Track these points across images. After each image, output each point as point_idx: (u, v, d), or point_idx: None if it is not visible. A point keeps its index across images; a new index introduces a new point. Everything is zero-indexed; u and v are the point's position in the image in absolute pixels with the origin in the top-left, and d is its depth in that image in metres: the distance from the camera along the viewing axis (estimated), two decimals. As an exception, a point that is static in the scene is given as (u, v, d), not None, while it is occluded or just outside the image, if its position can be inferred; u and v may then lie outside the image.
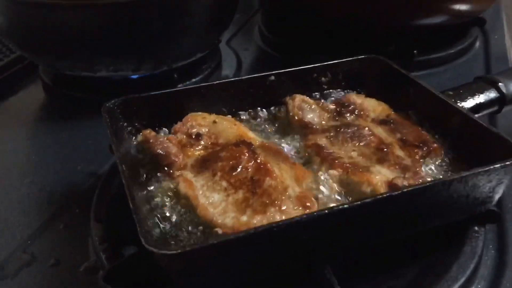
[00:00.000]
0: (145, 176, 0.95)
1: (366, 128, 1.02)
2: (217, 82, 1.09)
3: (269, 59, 1.72)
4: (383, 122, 1.06)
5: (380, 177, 0.89)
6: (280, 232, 0.71)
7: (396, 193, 0.77)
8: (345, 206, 0.74)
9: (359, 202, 0.74)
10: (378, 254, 0.87)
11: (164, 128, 1.07)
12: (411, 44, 1.58)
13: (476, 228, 0.92)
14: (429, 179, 0.91)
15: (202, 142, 1.01)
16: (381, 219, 0.80)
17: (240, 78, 1.11)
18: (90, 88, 1.42)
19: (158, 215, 0.84)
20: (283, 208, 0.84)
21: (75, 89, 1.44)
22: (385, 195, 0.76)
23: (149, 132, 0.98)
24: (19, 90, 1.54)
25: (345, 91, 1.19)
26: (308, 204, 0.86)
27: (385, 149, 0.96)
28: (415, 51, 1.56)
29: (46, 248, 0.97)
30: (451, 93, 1.08)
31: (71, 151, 1.25)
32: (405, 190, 0.77)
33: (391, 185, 0.86)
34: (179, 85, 1.44)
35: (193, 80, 1.48)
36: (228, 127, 1.03)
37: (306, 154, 0.99)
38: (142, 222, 0.71)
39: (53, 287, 0.90)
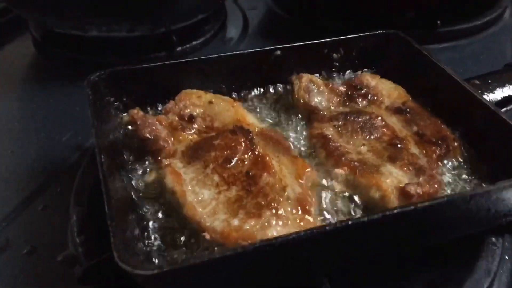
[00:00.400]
0: (130, 161, 0.86)
1: (379, 118, 0.91)
2: (216, 56, 0.98)
3: (278, 20, 1.58)
4: (398, 110, 0.95)
5: (391, 180, 0.79)
6: (273, 250, 0.63)
7: (408, 209, 0.67)
8: (349, 222, 0.65)
9: (365, 219, 0.65)
10: (381, 265, 0.78)
11: (156, 105, 0.97)
12: (433, 12, 1.44)
13: (493, 239, 0.83)
14: (445, 187, 0.82)
15: (196, 126, 0.91)
16: (389, 234, 0.71)
17: (241, 51, 0.99)
18: (82, 47, 1.30)
19: (140, 213, 0.76)
20: (280, 212, 0.75)
21: (67, 47, 1.32)
22: (395, 212, 0.66)
23: (136, 112, 0.88)
24: (6, 43, 1.43)
25: (359, 71, 1.07)
26: (308, 207, 0.77)
27: (399, 145, 0.86)
28: (438, 21, 1.42)
29: (22, 233, 0.89)
30: (477, 82, 0.96)
31: (57, 118, 1.15)
32: (419, 205, 0.67)
33: (403, 192, 0.76)
34: (178, 48, 1.33)
35: (194, 43, 1.36)
36: (225, 109, 0.92)
37: (311, 144, 0.89)
38: (118, 232, 0.63)
39: (27, 277, 0.83)
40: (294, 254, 0.65)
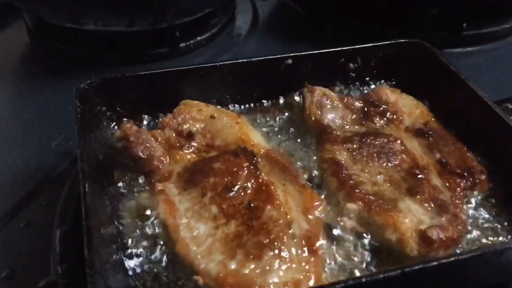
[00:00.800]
0: (120, 181, 0.78)
1: (398, 142, 0.82)
2: (220, 63, 0.88)
3: (289, 14, 1.47)
4: (420, 133, 0.86)
5: (410, 220, 0.70)
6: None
7: (430, 265, 0.59)
8: (362, 280, 0.57)
9: (381, 276, 0.57)
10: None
11: (154, 115, 0.89)
12: (458, 14, 1.33)
13: (519, 285, 0.75)
14: (469, 226, 0.73)
15: (195, 143, 0.82)
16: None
17: (249, 59, 0.90)
18: (78, 40, 1.20)
19: (125, 252, 0.67)
20: (283, 253, 0.66)
21: (62, 39, 1.22)
22: (416, 268, 0.58)
23: (129, 127, 0.79)
24: (1, 30, 1.34)
25: (378, 83, 0.98)
26: (315, 247, 0.69)
27: (419, 175, 0.77)
28: (464, 24, 1.31)
29: (1, 253, 0.81)
30: (510, 106, 0.86)
31: (47, 119, 1.06)
32: (443, 261, 0.59)
33: (424, 237, 0.67)
34: (181, 44, 1.23)
35: (199, 38, 1.26)
36: (229, 125, 0.83)
37: (321, 170, 0.80)
38: (97, 281, 0.55)
39: (3, 307, 0.76)
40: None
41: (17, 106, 1.10)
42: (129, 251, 0.68)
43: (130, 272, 0.65)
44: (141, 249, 0.68)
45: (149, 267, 0.67)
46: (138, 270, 0.66)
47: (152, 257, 0.68)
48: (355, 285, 0.57)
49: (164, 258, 0.68)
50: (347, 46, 0.95)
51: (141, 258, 0.67)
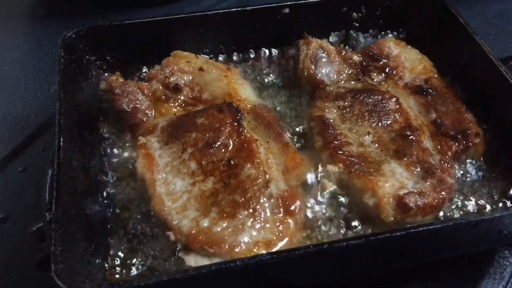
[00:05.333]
0: (105, 135, 0.78)
1: (393, 100, 0.78)
2: (213, 12, 0.85)
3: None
4: (419, 90, 0.82)
5: (391, 185, 0.68)
6: (235, 271, 0.55)
7: (397, 234, 0.57)
8: (324, 246, 0.56)
9: (344, 244, 0.56)
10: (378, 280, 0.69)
11: (148, 64, 0.88)
12: None
13: (505, 252, 0.73)
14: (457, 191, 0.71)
15: (182, 97, 0.81)
16: (376, 255, 0.62)
17: (244, 8, 0.86)
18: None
19: (104, 205, 0.69)
20: (258, 213, 0.66)
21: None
22: (380, 237, 0.57)
23: (115, 79, 0.78)
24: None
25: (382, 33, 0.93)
26: (291, 208, 0.68)
27: (411, 136, 0.74)
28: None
29: (-3, 197, 0.84)
30: (517, 65, 0.80)
31: (50, 64, 1.06)
32: (411, 230, 0.57)
33: (400, 204, 0.65)
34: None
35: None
36: (217, 78, 0.81)
37: (308, 128, 0.78)
38: (61, 241, 0.56)
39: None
40: (261, 273, 0.57)
41: (21, 49, 1.11)
42: (110, 207, 0.69)
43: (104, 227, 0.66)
44: (120, 204, 0.69)
45: (128, 224, 0.68)
46: (112, 224, 0.67)
47: (130, 212, 0.69)
48: (319, 251, 0.56)
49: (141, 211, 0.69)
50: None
51: (118, 212, 0.68)
